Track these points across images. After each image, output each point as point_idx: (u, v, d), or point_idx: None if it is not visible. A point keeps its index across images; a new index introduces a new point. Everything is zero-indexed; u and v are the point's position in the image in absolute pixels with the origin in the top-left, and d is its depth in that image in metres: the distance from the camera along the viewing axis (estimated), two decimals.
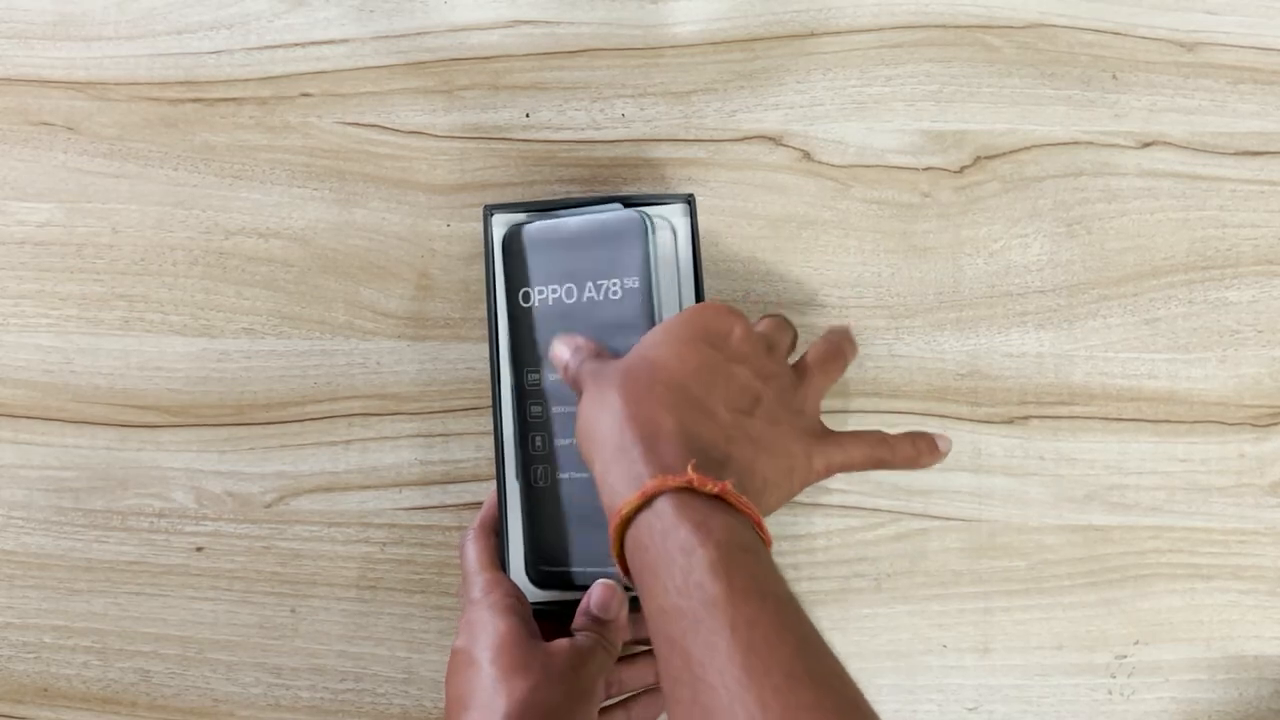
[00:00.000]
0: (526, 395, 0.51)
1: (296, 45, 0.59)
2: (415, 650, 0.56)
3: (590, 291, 0.50)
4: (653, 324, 0.50)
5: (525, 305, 0.51)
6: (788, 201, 0.58)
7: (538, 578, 0.51)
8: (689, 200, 0.53)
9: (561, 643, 0.47)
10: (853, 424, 0.57)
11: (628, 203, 0.53)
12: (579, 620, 0.49)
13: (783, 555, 0.56)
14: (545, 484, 0.51)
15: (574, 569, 0.51)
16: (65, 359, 0.57)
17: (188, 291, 0.58)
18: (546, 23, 0.59)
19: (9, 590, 0.57)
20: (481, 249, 0.58)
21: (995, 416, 0.57)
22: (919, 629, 0.56)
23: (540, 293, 0.51)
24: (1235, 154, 0.58)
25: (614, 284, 0.50)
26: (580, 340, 0.49)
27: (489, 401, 0.57)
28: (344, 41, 0.59)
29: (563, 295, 0.51)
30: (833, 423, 0.57)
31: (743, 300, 0.58)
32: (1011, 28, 0.59)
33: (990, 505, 0.57)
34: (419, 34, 0.59)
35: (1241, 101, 0.59)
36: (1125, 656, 0.56)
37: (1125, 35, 0.59)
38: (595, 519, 0.50)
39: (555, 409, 0.51)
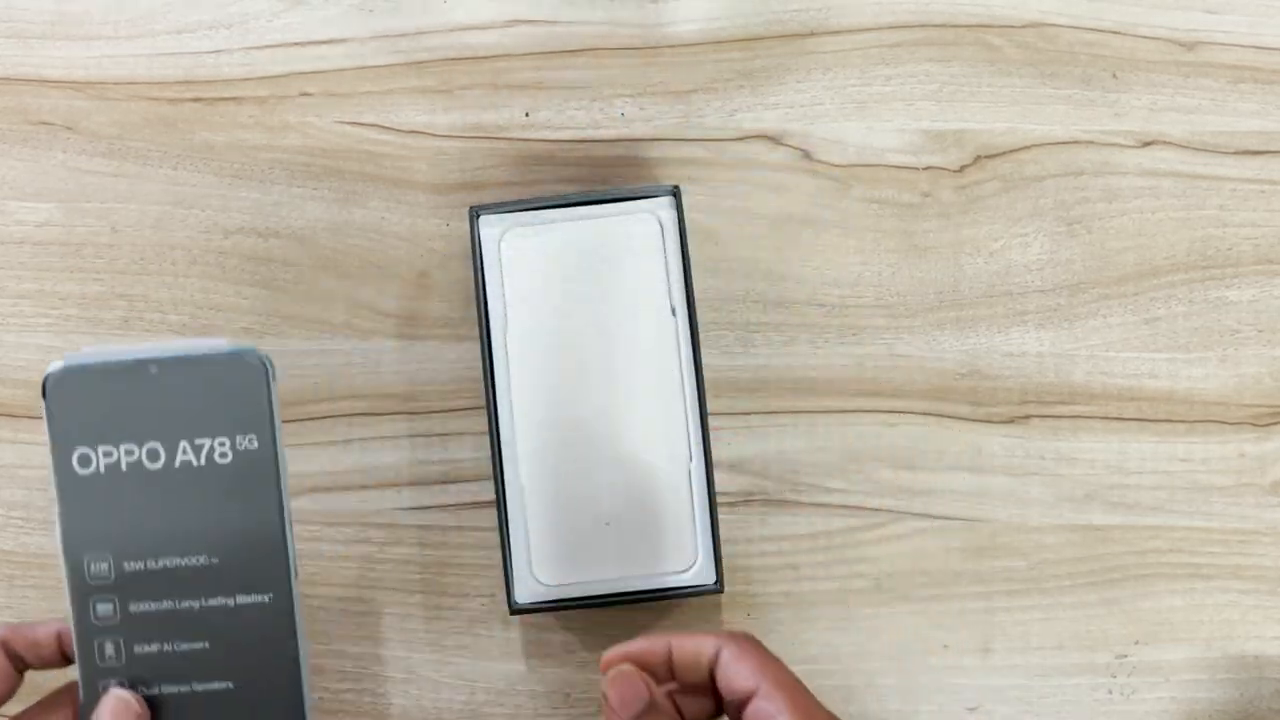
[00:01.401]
0: (91, 589, 0.40)
1: (296, 45, 0.59)
2: (415, 650, 0.56)
3: (186, 454, 0.40)
4: (279, 494, 0.40)
5: (84, 471, 0.39)
6: (788, 201, 0.58)
7: None
8: (675, 191, 0.53)
9: None
10: (852, 423, 0.57)
11: (614, 199, 0.53)
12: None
13: (784, 555, 0.56)
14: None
15: None
16: None
17: (187, 291, 0.58)
18: (546, 22, 0.59)
19: (9, 590, 0.57)
20: None
21: (995, 416, 0.57)
22: (919, 629, 0.56)
23: (108, 454, 0.40)
24: (1235, 153, 0.58)
25: (222, 443, 0.40)
26: None
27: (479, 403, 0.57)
28: (343, 41, 0.59)
29: (143, 457, 0.40)
30: (832, 422, 0.57)
31: (742, 300, 0.58)
32: (1011, 27, 0.59)
33: (990, 505, 0.57)
34: (419, 33, 0.59)
35: (1242, 101, 0.59)
36: (1125, 656, 0.56)
37: (1125, 35, 0.59)
38: None
39: (130, 607, 0.40)
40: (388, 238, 0.58)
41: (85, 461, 0.40)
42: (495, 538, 0.55)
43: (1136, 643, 0.56)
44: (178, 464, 0.40)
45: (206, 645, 0.40)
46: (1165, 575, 0.56)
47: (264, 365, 0.40)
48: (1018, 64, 0.59)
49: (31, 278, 0.58)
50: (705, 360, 0.55)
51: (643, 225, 0.53)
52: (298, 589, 0.41)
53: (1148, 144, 0.58)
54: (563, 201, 0.54)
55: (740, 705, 0.42)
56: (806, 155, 0.58)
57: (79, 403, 0.40)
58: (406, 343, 0.57)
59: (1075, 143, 0.58)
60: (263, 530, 0.40)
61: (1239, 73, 0.59)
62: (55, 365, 0.40)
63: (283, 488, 0.41)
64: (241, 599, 0.40)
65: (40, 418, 0.40)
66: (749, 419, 0.57)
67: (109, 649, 0.40)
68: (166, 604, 0.40)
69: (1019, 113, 0.59)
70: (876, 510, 0.57)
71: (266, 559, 0.40)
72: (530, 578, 0.52)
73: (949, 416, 0.57)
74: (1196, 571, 0.56)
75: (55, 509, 0.40)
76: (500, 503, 0.52)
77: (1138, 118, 0.59)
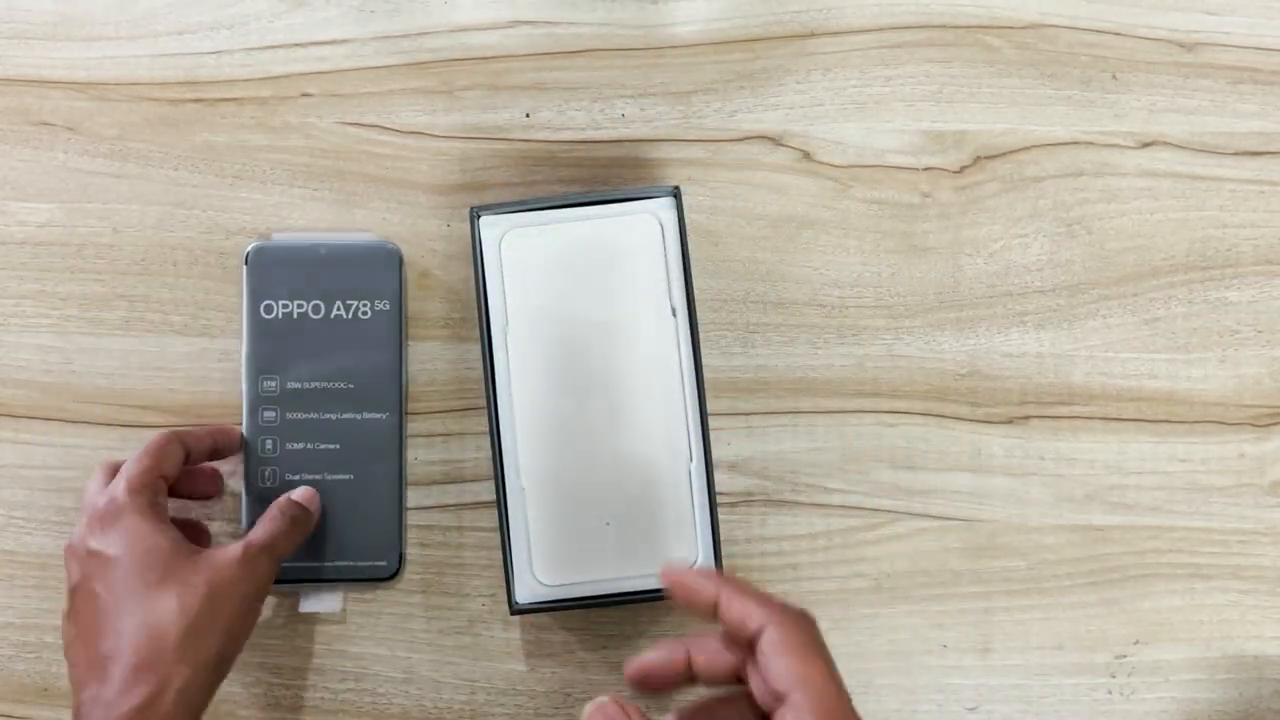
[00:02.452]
0: (261, 401, 0.55)
1: (297, 45, 0.59)
2: (415, 650, 0.56)
3: (339, 310, 0.56)
4: (400, 343, 0.56)
5: (267, 317, 0.55)
6: (788, 201, 0.58)
7: None
8: (675, 192, 0.53)
9: (231, 551, 0.48)
10: (852, 424, 0.57)
11: (614, 199, 0.53)
12: (284, 502, 0.52)
13: (784, 555, 0.56)
14: (272, 485, 0.55)
15: (295, 563, 0.54)
16: (66, 359, 0.57)
17: (188, 291, 0.58)
18: (546, 23, 0.59)
19: (10, 590, 0.57)
20: None
21: (995, 416, 0.57)
22: (919, 629, 0.56)
23: (285, 306, 0.55)
24: (1235, 154, 0.58)
25: (364, 305, 0.56)
26: None
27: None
28: (344, 42, 0.59)
29: (309, 310, 0.55)
30: (832, 422, 0.57)
31: (742, 300, 0.58)
32: (1011, 28, 0.59)
33: (990, 505, 0.57)
34: (419, 34, 0.59)
35: (1241, 102, 0.59)
36: (1125, 656, 0.56)
37: (1125, 35, 0.59)
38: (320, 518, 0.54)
39: (288, 415, 0.55)
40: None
41: (269, 310, 0.56)
42: (495, 538, 0.55)
43: (1136, 643, 0.56)
44: (332, 316, 0.56)
45: (338, 446, 0.55)
46: (1165, 575, 0.56)
47: (398, 253, 0.56)
48: (1017, 65, 0.59)
49: (33, 278, 0.58)
50: (705, 360, 0.55)
51: (643, 225, 0.53)
52: (405, 412, 0.56)
53: (1147, 145, 0.59)
54: (563, 202, 0.54)
55: (768, 708, 0.38)
56: (806, 156, 0.58)
57: (268, 270, 0.56)
58: (407, 343, 0.57)
59: (1075, 143, 0.59)
60: (387, 367, 0.56)
61: (1239, 74, 0.59)
62: (253, 244, 0.56)
63: (403, 339, 0.56)
64: (366, 415, 0.56)
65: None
66: (749, 419, 0.57)
67: (269, 444, 0.55)
68: (313, 414, 0.55)
69: (1019, 113, 0.59)
70: (876, 510, 0.57)
71: (387, 387, 0.56)
72: (530, 577, 0.52)
73: (949, 416, 0.57)
74: (1196, 571, 0.56)
75: (244, 344, 0.55)
76: (500, 502, 0.52)
77: (1138, 118, 0.59)
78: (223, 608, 0.47)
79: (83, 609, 0.47)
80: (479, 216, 0.54)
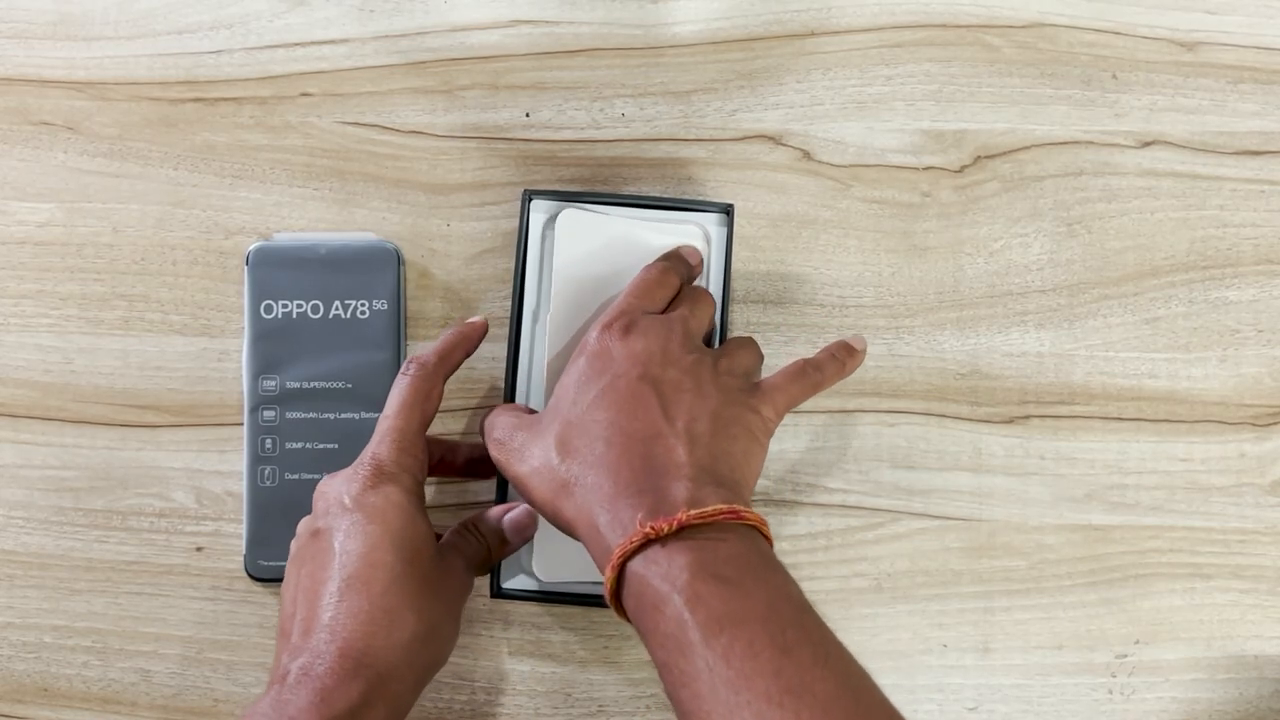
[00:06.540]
0: (261, 400, 0.55)
1: (297, 45, 0.59)
2: None
3: (338, 309, 0.56)
4: (399, 343, 0.56)
5: (268, 317, 0.55)
6: (788, 201, 0.58)
7: (258, 572, 0.55)
8: (728, 210, 0.53)
9: (457, 558, 0.48)
10: (852, 423, 0.57)
11: (667, 205, 0.54)
12: (490, 522, 0.50)
13: (784, 555, 0.56)
14: (272, 484, 0.55)
15: None
16: (65, 359, 0.57)
17: (188, 291, 0.58)
18: (546, 22, 0.59)
19: (9, 590, 0.57)
20: (485, 247, 0.58)
21: (995, 416, 0.57)
22: (919, 629, 0.56)
23: (284, 306, 0.55)
24: (1235, 153, 0.58)
25: (363, 305, 0.56)
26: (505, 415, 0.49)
27: (490, 401, 0.57)
28: (344, 41, 0.59)
29: (308, 310, 0.56)
30: (832, 422, 0.57)
31: (742, 300, 0.58)
32: (1011, 27, 0.59)
33: (990, 505, 0.57)
34: (419, 34, 0.59)
35: (1242, 101, 0.59)
36: (1125, 656, 0.56)
37: (1125, 35, 0.59)
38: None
39: (288, 415, 0.55)
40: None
41: (269, 310, 0.56)
42: None
43: (1136, 642, 0.56)
44: (331, 316, 0.56)
45: (337, 446, 0.55)
46: (1165, 575, 0.56)
47: (396, 253, 0.56)
48: (1018, 64, 0.59)
49: (33, 278, 0.58)
50: None
51: (689, 238, 0.53)
52: None
53: (1148, 144, 0.58)
54: (616, 200, 0.54)
55: None
56: (807, 155, 0.58)
57: (269, 270, 0.56)
58: (408, 343, 0.57)
59: (1075, 143, 0.58)
60: (386, 367, 0.55)
61: (1239, 73, 0.59)
62: (255, 244, 0.56)
63: (402, 339, 0.56)
64: (365, 414, 0.55)
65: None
66: None
67: (269, 443, 0.55)
68: (313, 414, 0.55)
69: (1019, 113, 0.59)
70: (876, 510, 0.57)
71: (386, 387, 0.52)
72: (522, 572, 0.52)
73: (949, 416, 0.57)
74: (1196, 571, 0.56)
75: (244, 343, 0.56)
76: (501, 497, 0.52)
77: (1138, 118, 0.59)
78: (454, 620, 0.47)
79: (320, 558, 0.45)
80: (531, 200, 0.54)
